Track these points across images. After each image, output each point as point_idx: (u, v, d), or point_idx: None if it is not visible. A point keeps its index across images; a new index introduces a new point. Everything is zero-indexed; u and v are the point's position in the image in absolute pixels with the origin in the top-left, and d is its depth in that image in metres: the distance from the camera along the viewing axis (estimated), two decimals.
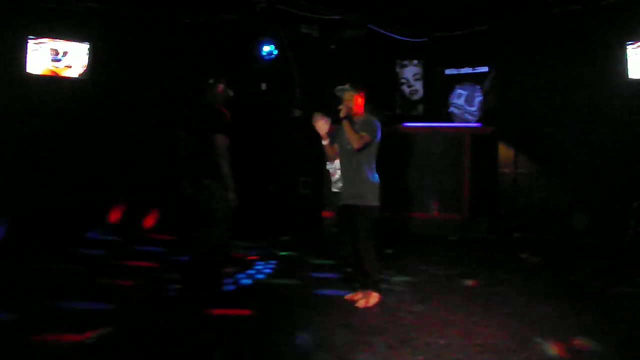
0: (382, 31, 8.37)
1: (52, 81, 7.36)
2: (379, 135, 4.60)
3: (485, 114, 8.77)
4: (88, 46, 7.49)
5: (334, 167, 8.43)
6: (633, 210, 6.78)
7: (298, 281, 5.42)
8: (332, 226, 8.05)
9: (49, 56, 7.24)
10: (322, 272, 5.81)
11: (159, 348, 3.55)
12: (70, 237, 6.83)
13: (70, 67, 7.36)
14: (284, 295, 4.95)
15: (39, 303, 4.36)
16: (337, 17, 8.00)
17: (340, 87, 4.72)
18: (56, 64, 7.27)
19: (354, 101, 4.64)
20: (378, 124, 4.64)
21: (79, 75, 7.48)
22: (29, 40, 7.16)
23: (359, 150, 4.52)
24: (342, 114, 4.59)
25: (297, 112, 8.89)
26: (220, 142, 4.55)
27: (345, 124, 4.56)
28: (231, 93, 4.89)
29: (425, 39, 8.66)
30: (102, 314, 4.16)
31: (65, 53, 7.28)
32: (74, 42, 7.36)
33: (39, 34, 7.20)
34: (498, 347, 3.61)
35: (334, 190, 8.36)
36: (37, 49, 7.16)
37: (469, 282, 5.46)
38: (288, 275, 5.63)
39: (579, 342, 3.72)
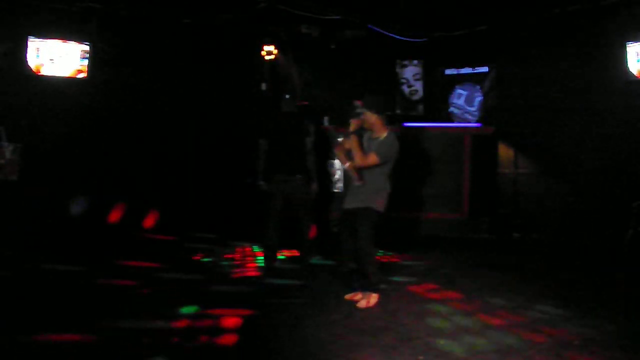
0: (382, 31, 8.36)
1: (48, 81, 7.33)
2: (390, 159, 4.60)
3: (485, 114, 8.76)
4: (87, 47, 7.45)
5: (334, 167, 8.45)
6: (633, 210, 6.77)
7: (299, 281, 5.42)
8: (334, 226, 8.05)
9: (35, 54, 7.21)
10: (323, 272, 5.81)
11: None
12: (70, 236, 6.84)
13: (42, 65, 7.25)
14: (284, 294, 4.95)
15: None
16: (337, 17, 7.99)
17: (357, 107, 4.66)
18: (37, 61, 7.23)
19: (369, 121, 4.62)
20: (395, 147, 4.63)
21: (70, 75, 7.38)
22: (29, 40, 7.15)
23: (361, 167, 4.56)
24: (351, 128, 4.60)
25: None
26: (310, 143, 5.73)
27: (353, 139, 4.58)
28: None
29: (425, 39, 8.65)
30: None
31: (37, 50, 7.20)
32: (47, 40, 7.21)
33: (39, 34, 7.19)
34: (498, 347, 3.61)
35: (334, 190, 8.39)
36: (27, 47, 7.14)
37: (469, 282, 5.46)
38: (289, 275, 5.63)
39: (579, 342, 3.72)
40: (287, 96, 5.95)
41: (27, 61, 7.13)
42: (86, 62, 7.46)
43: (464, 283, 5.43)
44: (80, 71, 7.45)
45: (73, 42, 7.38)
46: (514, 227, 8.18)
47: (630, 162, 7.39)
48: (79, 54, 7.42)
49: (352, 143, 4.58)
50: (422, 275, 5.78)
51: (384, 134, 4.64)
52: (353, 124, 4.61)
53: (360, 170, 4.65)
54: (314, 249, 6.07)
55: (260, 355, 3.52)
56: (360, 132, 4.65)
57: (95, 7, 7.36)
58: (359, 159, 4.55)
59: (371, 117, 4.61)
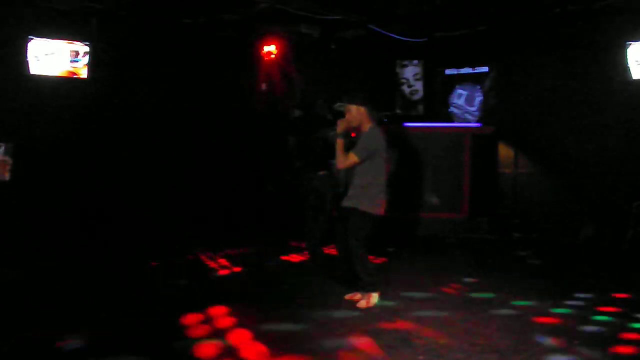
0: (382, 31, 8.36)
1: (45, 80, 7.29)
2: (370, 152, 4.51)
3: (485, 114, 8.77)
4: (81, 47, 7.39)
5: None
6: (633, 210, 6.78)
7: (298, 280, 5.43)
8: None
9: (32, 54, 7.19)
10: (323, 272, 5.81)
11: None
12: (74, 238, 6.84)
13: (32, 64, 7.18)
14: (284, 294, 4.96)
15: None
16: (337, 17, 7.98)
17: (338, 103, 4.67)
18: (31, 60, 7.19)
19: (353, 115, 4.58)
20: (374, 141, 4.55)
21: (61, 75, 7.32)
22: (30, 40, 7.13)
23: (341, 169, 4.64)
24: (338, 130, 4.58)
25: (297, 112, 8.88)
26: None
27: (339, 142, 4.55)
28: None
29: (425, 39, 8.65)
30: None
31: (34, 49, 7.17)
32: (47, 40, 7.16)
33: (39, 34, 7.17)
34: (498, 347, 3.61)
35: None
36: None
37: (469, 282, 5.46)
38: (291, 274, 5.64)
39: (578, 342, 3.72)
40: (321, 100, 6.23)
41: (27, 61, 7.11)
42: (77, 62, 7.38)
43: (463, 283, 5.43)
44: (72, 72, 7.37)
45: (69, 42, 7.34)
46: (514, 227, 8.18)
47: (630, 162, 7.40)
48: (68, 54, 7.35)
49: (337, 145, 4.55)
50: (421, 275, 5.78)
51: (364, 131, 4.60)
52: (340, 125, 4.59)
53: (350, 171, 4.64)
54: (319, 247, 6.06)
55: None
56: (346, 135, 4.61)
57: (95, 7, 7.35)
58: (339, 162, 4.56)
59: (355, 110, 4.57)
